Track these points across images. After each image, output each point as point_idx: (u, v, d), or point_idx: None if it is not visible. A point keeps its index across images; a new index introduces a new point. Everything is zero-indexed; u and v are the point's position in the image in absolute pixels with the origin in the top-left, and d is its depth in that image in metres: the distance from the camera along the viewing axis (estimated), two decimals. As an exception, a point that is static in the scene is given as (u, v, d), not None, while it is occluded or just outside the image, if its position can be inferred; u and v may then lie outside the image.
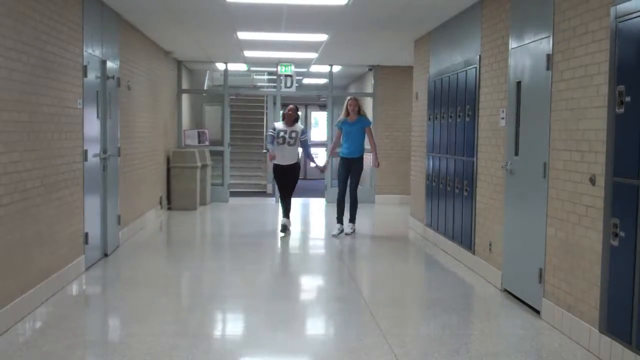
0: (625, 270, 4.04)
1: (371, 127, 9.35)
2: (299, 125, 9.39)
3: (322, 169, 9.92)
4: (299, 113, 9.55)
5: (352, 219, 9.33)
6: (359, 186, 9.39)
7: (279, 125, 9.38)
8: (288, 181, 9.35)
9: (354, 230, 9.26)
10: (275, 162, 9.21)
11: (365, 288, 6.55)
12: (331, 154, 10.54)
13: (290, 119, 9.29)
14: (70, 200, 6.20)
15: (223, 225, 11.22)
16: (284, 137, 9.18)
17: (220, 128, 13.74)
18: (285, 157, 9.20)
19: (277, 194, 10.06)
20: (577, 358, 4.43)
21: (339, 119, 9.39)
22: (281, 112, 9.82)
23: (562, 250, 4.94)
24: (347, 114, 9.14)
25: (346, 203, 9.29)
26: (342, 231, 9.16)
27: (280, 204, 9.63)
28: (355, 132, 9.08)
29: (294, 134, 9.25)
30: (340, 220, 9.27)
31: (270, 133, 9.34)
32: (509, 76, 6.09)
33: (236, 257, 7.47)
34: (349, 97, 9.40)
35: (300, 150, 9.53)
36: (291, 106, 9.38)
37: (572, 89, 4.82)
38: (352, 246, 8.69)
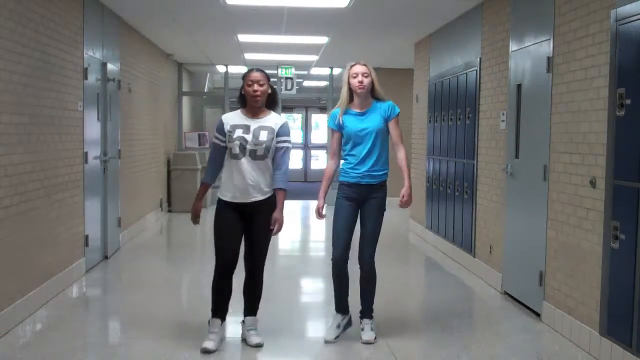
0: (625, 273, 4.03)
1: (398, 119, 4.76)
2: (276, 116, 4.57)
3: (318, 212, 4.78)
4: (275, 89, 4.67)
5: (370, 311, 4.74)
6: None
7: (233, 118, 4.53)
8: (251, 236, 4.54)
9: (375, 332, 4.69)
10: (224, 197, 4.45)
11: (365, 290, 6.55)
12: (326, 187, 4.73)
13: (256, 102, 4.47)
14: (70, 203, 6.20)
15: (223, 228, 11.19)
16: (241, 142, 4.38)
17: (221, 130, 13.70)
18: (245, 184, 4.39)
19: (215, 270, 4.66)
20: (578, 361, 4.43)
21: (335, 109, 4.71)
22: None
23: (563, 253, 4.94)
24: (351, 98, 4.62)
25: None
26: (346, 326, 4.74)
27: (212, 293, 4.61)
28: (370, 131, 4.57)
29: (264, 135, 4.41)
30: (341, 306, 4.72)
31: (214, 139, 4.51)
32: (509, 79, 6.09)
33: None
34: (350, 63, 4.60)
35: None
36: (255, 74, 4.49)
37: (573, 92, 4.82)
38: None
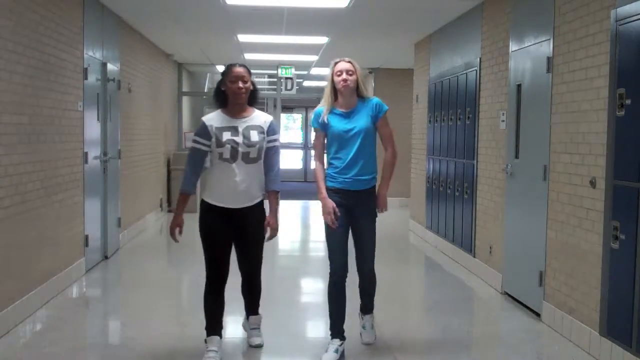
0: (625, 273, 4.03)
1: (387, 116, 4.36)
2: (263, 115, 4.24)
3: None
4: (256, 85, 4.27)
5: (370, 306, 4.58)
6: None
7: (216, 119, 4.13)
8: (244, 243, 4.26)
9: (375, 332, 4.63)
10: (211, 200, 4.12)
11: (365, 291, 6.54)
12: (325, 186, 4.25)
13: (241, 99, 4.11)
14: (70, 203, 6.20)
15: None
16: (232, 145, 4.04)
17: (221, 130, 13.70)
18: (237, 190, 4.09)
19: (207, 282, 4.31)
20: (578, 361, 4.43)
21: (318, 107, 4.34)
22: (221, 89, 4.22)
23: (563, 253, 4.94)
24: (335, 97, 4.25)
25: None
26: (341, 354, 4.27)
27: (205, 308, 4.24)
28: (357, 132, 4.19)
29: (254, 135, 4.10)
30: (337, 330, 4.32)
31: (195, 144, 4.10)
32: (510, 79, 6.09)
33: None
34: (335, 60, 4.25)
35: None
36: (239, 69, 4.07)
37: (573, 92, 4.82)
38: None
